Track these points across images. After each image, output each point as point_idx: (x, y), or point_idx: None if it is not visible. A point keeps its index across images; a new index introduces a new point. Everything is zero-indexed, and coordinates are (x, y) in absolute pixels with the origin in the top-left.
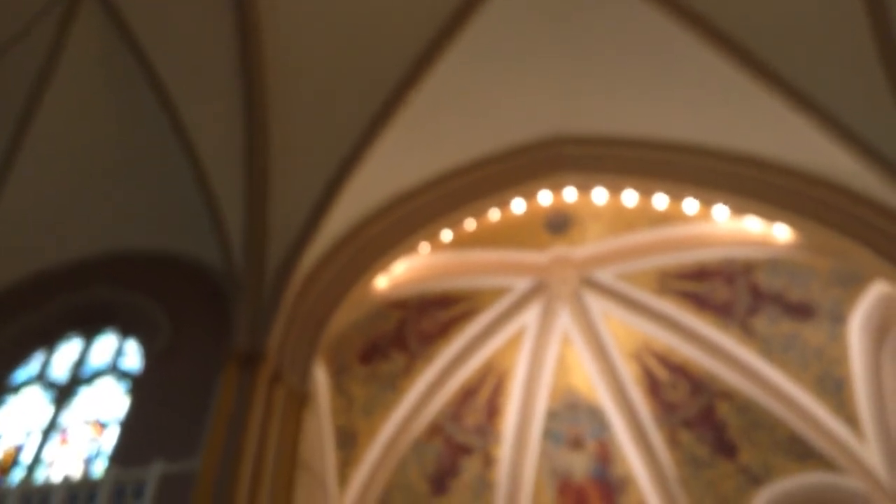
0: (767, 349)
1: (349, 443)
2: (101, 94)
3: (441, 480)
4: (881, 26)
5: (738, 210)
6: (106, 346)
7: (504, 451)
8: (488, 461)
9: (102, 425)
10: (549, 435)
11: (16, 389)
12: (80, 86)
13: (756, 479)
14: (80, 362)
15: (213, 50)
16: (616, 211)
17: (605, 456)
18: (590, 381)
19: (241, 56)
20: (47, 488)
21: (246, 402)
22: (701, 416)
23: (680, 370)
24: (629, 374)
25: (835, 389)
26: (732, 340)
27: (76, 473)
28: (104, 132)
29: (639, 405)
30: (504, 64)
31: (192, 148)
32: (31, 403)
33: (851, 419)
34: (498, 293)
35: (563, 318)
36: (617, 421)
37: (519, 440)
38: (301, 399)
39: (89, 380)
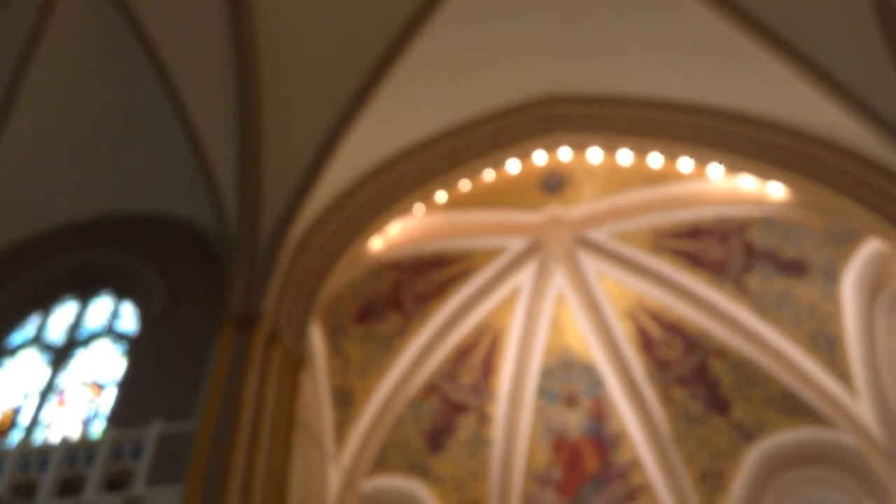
0: (761, 307)
1: (345, 402)
2: (93, 56)
3: (437, 438)
4: None
5: (733, 168)
6: (101, 308)
7: (499, 409)
8: (483, 419)
9: (100, 387)
10: (544, 393)
11: (12, 352)
12: (70, 48)
13: (749, 435)
14: (77, 325)
15: (204, 11)
16: (611, 170)
17: (600, 413)
18: (584, 340)
19: (232, 16)
20: (46, 449)
21: (242, 362)
22: (694, 373)
23: (674, 328)
24: (623, 333)
25: (828, 346)
26: (726, 298)
27: (74, 434)
28: (96, 94)
29: (633, 363)
30: (497, 23)
31: (185, 109)
32: (28, 366)
33: (844, 375)
34: (493, 253)
35: (558, 277)
36: (611, 378)
37: (514, 398)
38: (297, 359)
39: (86, 342)
